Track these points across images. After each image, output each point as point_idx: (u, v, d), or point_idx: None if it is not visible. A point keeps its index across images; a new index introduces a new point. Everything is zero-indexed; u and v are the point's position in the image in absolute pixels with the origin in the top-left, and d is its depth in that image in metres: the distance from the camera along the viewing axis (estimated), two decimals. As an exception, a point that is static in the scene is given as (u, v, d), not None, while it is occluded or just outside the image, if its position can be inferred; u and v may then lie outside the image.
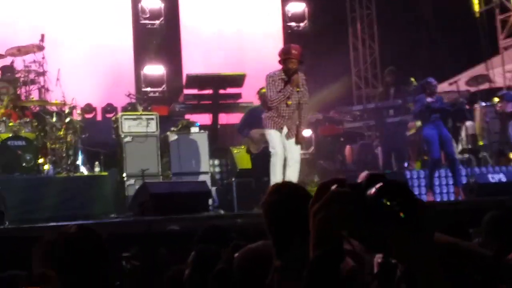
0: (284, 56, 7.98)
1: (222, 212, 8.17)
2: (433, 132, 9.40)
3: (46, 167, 9.70)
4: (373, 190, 1.31)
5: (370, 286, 1.45)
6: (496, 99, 11.82)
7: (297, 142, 8.15)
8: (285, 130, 8.07)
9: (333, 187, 1.37)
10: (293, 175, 8.07)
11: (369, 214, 1.30)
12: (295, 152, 8.14)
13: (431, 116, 9.44)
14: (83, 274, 2.28)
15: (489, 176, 9.42)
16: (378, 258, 1.44)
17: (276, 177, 8.06)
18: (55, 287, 2.20)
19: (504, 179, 9.31)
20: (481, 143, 11.62)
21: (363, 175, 1.42)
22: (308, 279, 1.35)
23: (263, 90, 9.71)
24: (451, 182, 10.20)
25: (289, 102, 8.00)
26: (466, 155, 11.60)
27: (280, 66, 8.11)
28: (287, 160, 8.11)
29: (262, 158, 8.76)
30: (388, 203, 1.29)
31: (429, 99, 9.47)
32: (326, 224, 1.34)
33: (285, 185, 2.72)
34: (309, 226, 1.38)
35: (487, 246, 4.31)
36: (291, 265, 2.23)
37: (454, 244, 2.42)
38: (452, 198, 10.00)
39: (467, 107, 11.73)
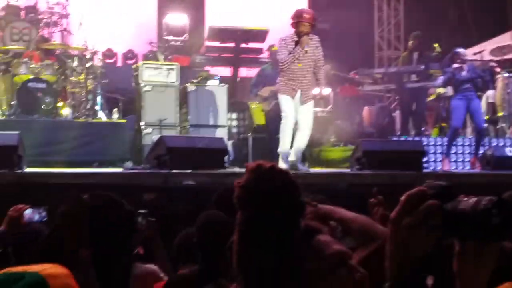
0: (296, 19, 8.01)
1: (237, 169, 8.19)
2: (460, 102, 9.34)
3: (65, 111, 9.75)
4: (483, 203, 1.27)
5: None
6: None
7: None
8: (298, 94, 8.04)
9: (430, 201, 1.32)
10: (302, 140, 8.11)
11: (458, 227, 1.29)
12: (308, 118, 8.13)
13: (460, 86, 9.36)
14: (114, 247, 2.30)
15: (507, 149, 9.37)
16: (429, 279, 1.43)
17: (284, 141, 8.11)
18: (86, 266, 2.19)
19: (521, 153, 9.26)
20: (500, 113, 11.53)
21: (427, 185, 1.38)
22: None
23: (274, 48, 9.68)
24: (467, 151, 10.17)
25: (299, 65, 8.00)
26: (485, 125, 11.53)
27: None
28: (298, 123, 8.12)
29: (275, 115, 8.74)
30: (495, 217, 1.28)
31: (458, 70, 9.37)
32: (420, 241, 1.31)
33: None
34: (391, 238, 1.34)
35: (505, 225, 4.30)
36: None
37: None
38: (467, 167, 9.99)
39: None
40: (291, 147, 8.11)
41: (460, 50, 9.53)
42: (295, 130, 8.13)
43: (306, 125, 8.13)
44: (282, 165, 8.02)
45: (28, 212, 3.80)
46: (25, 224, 3.72)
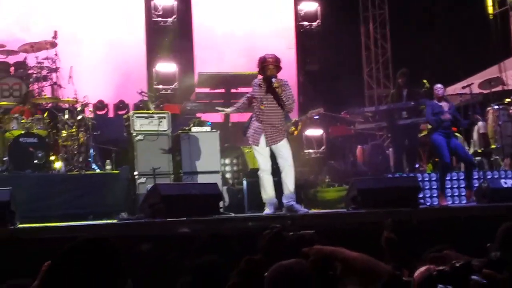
0: (261, 64, 8.21)
1: (232, 214, 8.15)
2: (441, 137, 9.38)
3: (57, 164, 9.73)
4: None
5: None
6: (507, 100, 11.77)
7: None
8: (262, 138, 8.12)
9: None
10: (289, 179, 8.15)
11: None
12: (287, 157, 8.20)
13: (440, 125, 9.41)
14: None
15: (502, 181, 9.36)
16: None
17: (266, 190, 8.20)
18: None
19: (516, 184, 9.25)
20: (493, 146, 11.57)
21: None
22: None
23: None
24: (462, 185, 10.16)
25: (262, 106, 8.14)
26: (478, 158, 11.55)
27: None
28: (280, 165, 8.21)
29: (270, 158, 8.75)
30: None
31: (438, 106, 9.43)
32: None
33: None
34: None
35: (505, 258, 4.26)
36: None
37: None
38: (464, 201, 9.97)
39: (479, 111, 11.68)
40: (281, 193, 8.13)
41: (437, 86, 9.60)
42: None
43: (288, 164, 8.18)
44: (267, 211, 8.05)
45: None
46: None
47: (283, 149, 8.20)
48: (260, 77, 8.35)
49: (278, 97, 8.09)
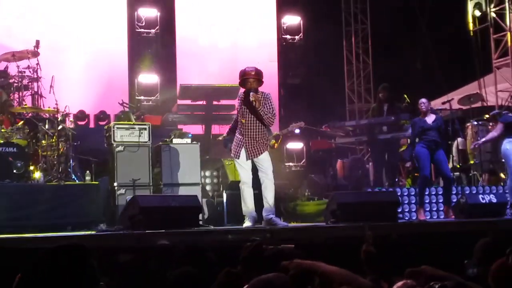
0: (241, 77, 8.24)
1: (211, 227, 8.15)
2: (423, 150, 9.42)
3: (37, 174, 9.66)
4: None
5: None
6: (487, 116, 11.89)
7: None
8: (243, 152, 8.15)
9: None
10: (268, 193, 8.16)
11: None
12: (267, 171, 8.21)
13: (423, 135, 9.46)
14: None
15: (480, 196, 9.43)
16: None
17: (246, 203, 8.22)
18: None
19: (494, 200, 9.31)
20: (472, 161, 11.66)
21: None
22: None
23: None
24: (441, 200, 10.22)
25: (243, 120, 8.19)
26: (457, 173, 11.64)
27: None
28: (260, 178, 8.25)
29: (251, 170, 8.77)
30: None
31: (422, 122, 9.49)
32: None
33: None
34: None
35: (482, 276, 4.28)
36: None
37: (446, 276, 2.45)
38: (442, 217, 10.02)
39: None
40: (261, 206, 8.15)
41: (421, 100, 9.67)
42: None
43: (265, 177, 8.19)
44: (247, 224, 8.07)
45: None
46: None
47: (264, 162, 8.22)
48: (242, 89, 8.38)
49: (255, 110, 8.11)
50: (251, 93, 8.05)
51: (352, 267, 3.64)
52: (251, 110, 8.14)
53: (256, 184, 8.33)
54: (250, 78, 8.15)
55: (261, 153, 8.19)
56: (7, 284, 3.75)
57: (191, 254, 4.11)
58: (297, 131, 10.35)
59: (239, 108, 8.24)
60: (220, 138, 9.07)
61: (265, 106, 8.11)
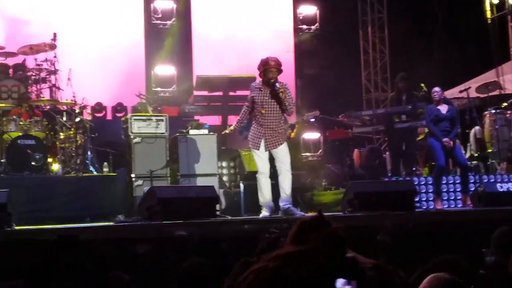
0: (263, 67, 8.16)
1: (228, 217, 8.17)
2: (437, 141, 9.40)
3: (55, 166, 9.74)
4: None
5: None
6: (504, 104, 11.81)
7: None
8: (262, 143, 8.15)
9: None
10: (285, 183, 8.17)
11: None
12: (285, 161, 8.22)
13: (438, 124, 9.42)
14: None
15: (498, 185, 9.38)
16: None
17: (263, 194, 8.23)
18: None
19: (512, 189, 9.27)
20: (490, 150, 11.59)
21: None
22: None
23: None
24: (458, 189, 10.18)
25: (263, 111, 8.13)
26: (475, 162, 11.58)
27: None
28: (278, 168, 8.24)
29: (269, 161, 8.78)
30: None
31: (435, 110, 9.45)
32: None
33: None
34: None
35: (500, 264, 4.27)
36: None
37: None
38: (460, 205, 9.99)
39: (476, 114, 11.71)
40: (278, 196, 8.16)
41: (434, 89, 9.63)
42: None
43: (285, 169, 8.20)
44: (264, 213, 8.09)
45: None
46: None
47: (282, 153, 8.22)
48: (259, 80, 8.33)
49: (281, 101, 8.07)
50: (277, 84, 8.03)
51: (369, 256, 3.65)
52: (276, 101, 8.10)
53: (273, 174, 8.35)
54: (273, 68, 8.10)
55: (281, 144, 8.20)
56: (26, 274, 3.81)
57: (205, 245, 4.14)
58: (312, 120, 10.32)
59: (259, 98, 8.19)
60: (227, 131, 8.96)
61: (287, 96, 8.11)
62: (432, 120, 9.48)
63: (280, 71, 8.23)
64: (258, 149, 8.20)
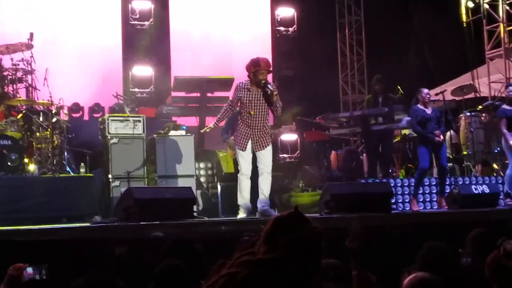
0: (254, 68, 8.09)
1: (206, 218, 8.18)
2: (423, 143, 9.46)
3: (31, 167, 9.66)
4: None
5: None
6: (480, 107, 11.93)
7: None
8: (249, 144, 8.14)
9: None
10: (265, 184, 8.19)
11: None
12: (268, 164, 8.23)
13: (426, 125, 9.46)
14: None
15: (473, 187, 9.48)
16: None
17: (242, 195, 8.23)
18: None
19: (487, 191, 9.37)
20: (465, 152, 11.71)
21: None
22: None
23: None
24: (434, 190, 10.28)
25: (252, 112, 8.12)
26: (450, 164, 11.68)
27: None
28: (259, 170, 8.25)
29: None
30: None
31: (422, 111, 9.50)
32: None
33: None
34: None
35: (476, 265, 4.31)
36: None
37: None
38: (435, 207, 10.08)
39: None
40: (256, 197, 8.18)
41: (423, 89, 9.69)
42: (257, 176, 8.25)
43: (266, 171, 8.22)
44: (242, 215, 8.10)
45: (28, 270, 3.75)
46: (25, 282, 3.67)
47: (266, 155, 8.23)
48: (246, 80, 8.23)
49: (272, 102, 8.06)
50: (270, 85, 8.02)
51: (345, 259, 3.68)
52: (267, 102, 8.09)
53: (252, 175, 8.36)
54: (263, 70, 8.06)
55: (267, 145, 8.21)
56: (1, 275, 3.79)
57: (178, 246, 4.15)
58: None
59: (247, 99, 8.13)
60: (206, 129, 8.86)
61: (275, 97, 8.10)
62: (419, 122, 9.50)
63: (269, 72, 8.24)
64: (244, 150, 8.18)
